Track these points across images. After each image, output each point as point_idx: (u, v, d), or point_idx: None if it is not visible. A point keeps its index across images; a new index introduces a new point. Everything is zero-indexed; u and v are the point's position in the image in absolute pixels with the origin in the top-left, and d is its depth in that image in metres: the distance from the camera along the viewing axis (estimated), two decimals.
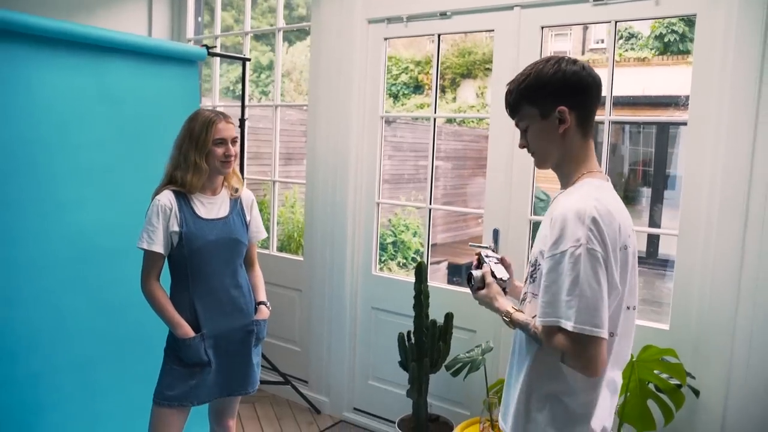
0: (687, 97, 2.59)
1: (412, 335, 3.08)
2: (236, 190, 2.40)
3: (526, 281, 1.59)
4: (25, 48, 2.70)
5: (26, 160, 2.70)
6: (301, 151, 6.15)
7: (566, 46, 11.25)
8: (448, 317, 3.04)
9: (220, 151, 2.24)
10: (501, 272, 1.67)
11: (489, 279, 1.62)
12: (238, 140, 2.34)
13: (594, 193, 1.43)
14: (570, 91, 1.48)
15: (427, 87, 9.98)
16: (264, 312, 2.43)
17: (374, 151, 3.48)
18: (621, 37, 9.13)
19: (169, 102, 3.23)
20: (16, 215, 2.67)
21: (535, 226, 3.10)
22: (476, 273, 1.64)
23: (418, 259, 3.10)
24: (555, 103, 1.48)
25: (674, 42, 9.09)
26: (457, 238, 8.07)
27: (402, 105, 9.35)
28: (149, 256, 2.23)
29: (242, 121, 3.67)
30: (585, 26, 10.55)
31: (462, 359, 2.84)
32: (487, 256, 1.67)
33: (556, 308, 1.36)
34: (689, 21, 8.55)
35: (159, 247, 2.21)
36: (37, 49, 2.73)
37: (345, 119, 3.49)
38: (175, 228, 2.22)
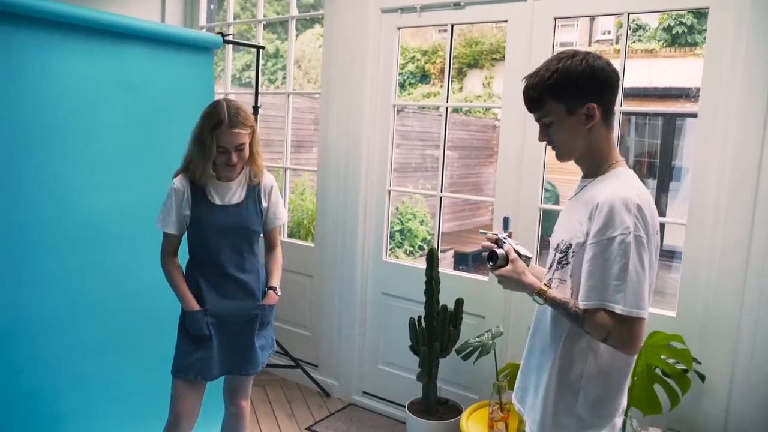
0: (695, 89, 2.63)
1: (422, 320, 3.14)
2: (255, 175, 2.42)
3: (550, 267, 1.62)
4: (42, 34, 2.72)
5: (42, 146, 2.74)
6: (311, 139, 6.19)
7: (573, 37, 11.23)
8: (459, 303, 3.10)
9: (222, 158, 2.27)
10: (524, 250, 1.67)
11: (513, 255, 1.61)
12: (247, 144, 2.31)
13: (631, 182, 1.49)
14: (598, 87, 1.50)
15: (433, 76, 9.99)
16: (271, 297, 2.46)
17: (386, 140, 3.53)
18: (629, 29, 9.11)
19: (184, 89, 3.27)
20: (31, 200, 2.71)
21: (545, 215, 3.15)
22: (500, 251, 1.62)
23: (425, 247, 3.15)
24: (583, 99, 1.50)
25: (682, 34, 9.07)
26: (463, 227, 8.12)
27: (409, 94, 9.37)
28: (164, 235, 2.36)
29: (255, 108, 3.71)
30: (592, 17, 10.53)
31: (472, 344, 2.89)
32: (504, 238, 1.67)
33: (604, 292, 1.42)
34: (698, 13, 8.53)
35: (172, 228, 2.33)
36: (54, 34, 2.76)
37: (357, 108, 3.53)
38: (187, 212, 2.32)
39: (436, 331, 3.09)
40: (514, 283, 1.59)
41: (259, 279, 2.46)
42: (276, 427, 3.42)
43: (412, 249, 6.85)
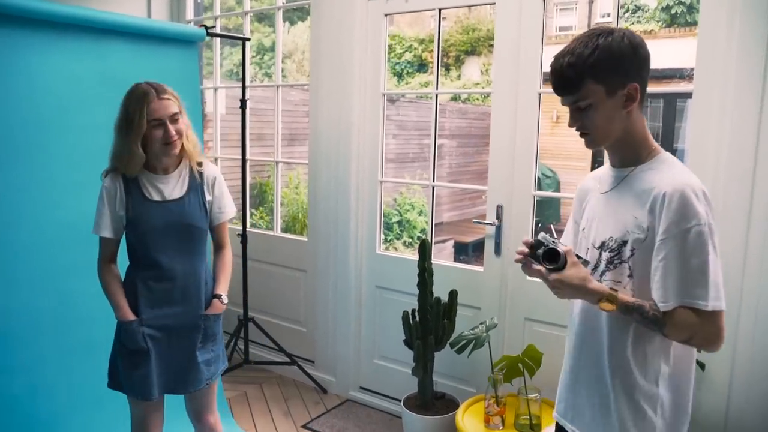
0: (689, 69, 2.55)
1: (416, 313, 3.08)
2: (198, 166, 2.21)
3: (595, 269, 1.48)
4: (26, 32, 2.67)
5: (26, 144, 2.70)
6: (305, 131, 6.13)
7: (572, 20, 11.12)
8: (453, 295, 3.03)
9: (158, 133, 2.05)
10: (583, 253, 1.51)
11: (574, 258, 1.41)
12: (182, 115, 2.12)
13: (684, 167, 1.41)
14: (639, 66, 1.39)
15: (431, 65, 9.90)
16: (216, 306, 2.23)
17: (377, 129, 3.46)
18: (627, 10, 9.01)
19: (169, 84, 3.17)
20: (16, 198, 2.67)
21: (539, 203, 3.08)
22: (561, 248, 1.41)
23: (424, 237, 3.08)
24: (626, 80, 1.37)
25: (681, 14, 8.96)
26: (463, 217, 8.05)
27: (406, 83, 9.29)
28: (100, 241, 2.17)
29: (243, 101, 3.65)
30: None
31: (466, 336, 2.83)
32: (554, 240, 1.45)
33: (687, 290, 1.32)
34: None
35: (107, 232, 2.14)
36: (38, 32, 2.71)
37: (346, 97, 3.46)
38: (122, 212, 2.13)
39: (430, 324, 3.03)
40: (574, 289, 1.40)
41: (205, 285, 2.24)
42: (272, 425, 3.37)
43: (411, 240, 6.80)
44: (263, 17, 5.87)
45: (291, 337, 3.97)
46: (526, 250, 1.46)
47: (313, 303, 3.83)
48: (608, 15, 10.73)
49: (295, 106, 5.98)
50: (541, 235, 1.46)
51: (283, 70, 4.09)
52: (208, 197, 2.23)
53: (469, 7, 3.88)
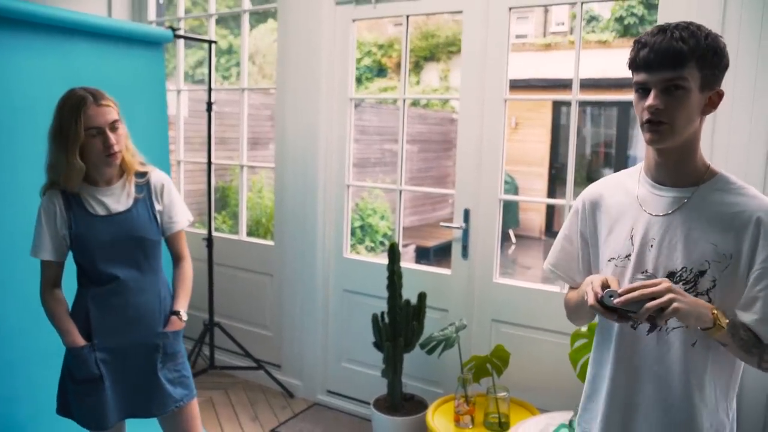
0: None
1: (386, 316, 3.11)
2: (142, 175, 2.08)
3: None
4: None
5: None
6: (267, 135, 6.10)
7: (528, 29, 11.35)
8: (422, 297, 3.07)
9: (97, 142, 1.90)
10: (626, 284, 1.37)
11: (668, 283, 1.23)
12: (122, 122, 1.98)
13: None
14: (724, 72, 1.30)
15: (390, 70, 9.96)
16: (175, 323, 2.09)
17: (344, 134, 3.47)
18: (583, 19, 9.26)
19: (134, 85, 3.17)
20: None
21: (506, 206, 3.14)
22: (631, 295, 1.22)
23: (386, 242, 3.10)
24: (717, 81, 1.29)
25: (634, 24, 9.26)
26: (424, 221, 8.13)
27: (365, 88, 9.32)
28: (41, 265, 2.00)
29: (209, 104, 3.62)
30: (546, 9, 10.64)
31: (436, 337, 2.87)
32: (611, 292, 1.27)
33: None
34: (648, 4, 8.70)
35: (47, 254, 1.97)
36: None
37: (314, 102, 3.47)
38: (64, 230, 1.96)
39: (400, 326, 3.06)
40: (693, 303, 1.24)
41: (162, 301, 2.10)
42: (239, 430, 3.35)
43: (373, 245, 6.82)
44: (219, 19, 5.82)
45: (257, 342, 3.94)
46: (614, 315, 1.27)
47: (279, 307, 3.82)
48: (563, 24, 11.00)
49: (257, 109, 5.95)
50: (606, 292, 1.27)
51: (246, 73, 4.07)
52: (157, 207, 2.09)
53: (435, 14, 3.92)
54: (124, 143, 2.00)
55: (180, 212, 2.15)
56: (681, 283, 1.30)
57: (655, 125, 1.27)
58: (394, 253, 3.06)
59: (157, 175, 2.12)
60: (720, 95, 1.29)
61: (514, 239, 8.80)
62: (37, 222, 1.98)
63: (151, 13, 4.29)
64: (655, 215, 1.36)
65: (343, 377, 3.63)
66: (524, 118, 8.92)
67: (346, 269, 3.56)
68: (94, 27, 2.98)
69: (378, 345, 3.13)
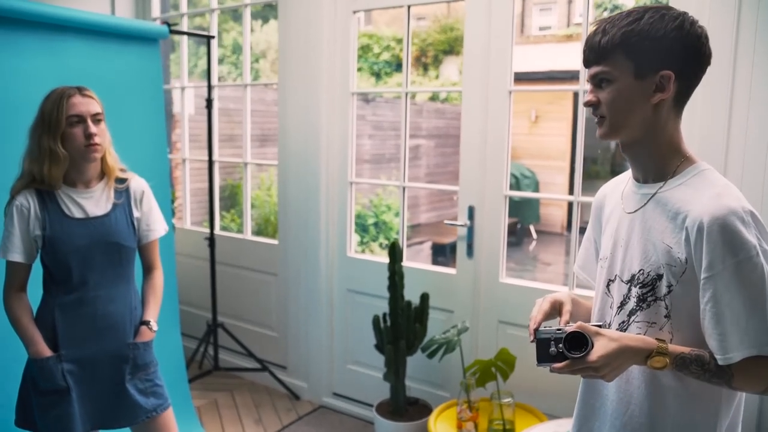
0: None
1: (387, 317, 3.00)
2: (122, 181, 2.03)
3: (621, 307, 1.26)
4: None
5: None
6: (277, 132, 6.02)
7: (551, 20, 11.12)
8: (424, 298, 2.96)
9: (78, 131, 1.86)
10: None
11: (591, 328, 1.16)
12: (105, 121, 1.95)
13: (724, 181, 1.19)
14: (684, 56, 1.17)
15: (409, 65, 9.84)
16: (145, 334, 2.02)
17: (346, 129, 3.37)
18: (605, 9, 9.03)
19: (129, 83, 3.10)
20: None
21: (519, 204, 3.01)
22: (586, 330, 1.15)
23: (395, 239, 3.00)
24: (661, 64, 1.16)
25: None
26: (441, 218, 7.98)
27: (384, 83, 9.22)
28: (7, 266, 1.91)
29: (209, 101, 3.55)
30: (569, 0, 10.42)
31: (437, 340, 2.76)
32: (547, 332, 1.22)
33: (750, 336, 1.09)
34: None
35: (17, 256, 1.89)
36: None
37: (315, 96, 3.37)
38: (37, 231, 1.89)
39: (402, 328, 2.95)
40: (622, 359, 1.13)
41: (132, 311, 2.04)
42: None
43: (387, 242, 6.69)
44: (238, 16, 5.76)
45: (262, 343, 3.86)
46: (554, 359, 1.20)
47: (284, 307, 3.73)
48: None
49: (268, 106, 5.87)
50: (542, 331, 1.22)
51: (256, 70, 3.99)
52: (135, 213, 2.05)
53: (440, 3, 3.81)
54: (107, 140, 1.98)
55: (157, 221, 2.11)
56: (639, 286, 1.22)
57: (598, 120, 1.24)
58: (395, 253, 2.95)
59: (137, 182, 2.08)
60: (666, 76, 1.17)
61: (535, 235, 8.61)
62: (7, 221, 1.89)
63: (155, 10, 4.23)
64: (627, 213, 1.29)
65: (349, 379, 3.53)
66: (544, 111, 8.71)
67: (350, 268, 3.46)
68: (87, 24, 2.91)
69: (379, 347, 3.03)
